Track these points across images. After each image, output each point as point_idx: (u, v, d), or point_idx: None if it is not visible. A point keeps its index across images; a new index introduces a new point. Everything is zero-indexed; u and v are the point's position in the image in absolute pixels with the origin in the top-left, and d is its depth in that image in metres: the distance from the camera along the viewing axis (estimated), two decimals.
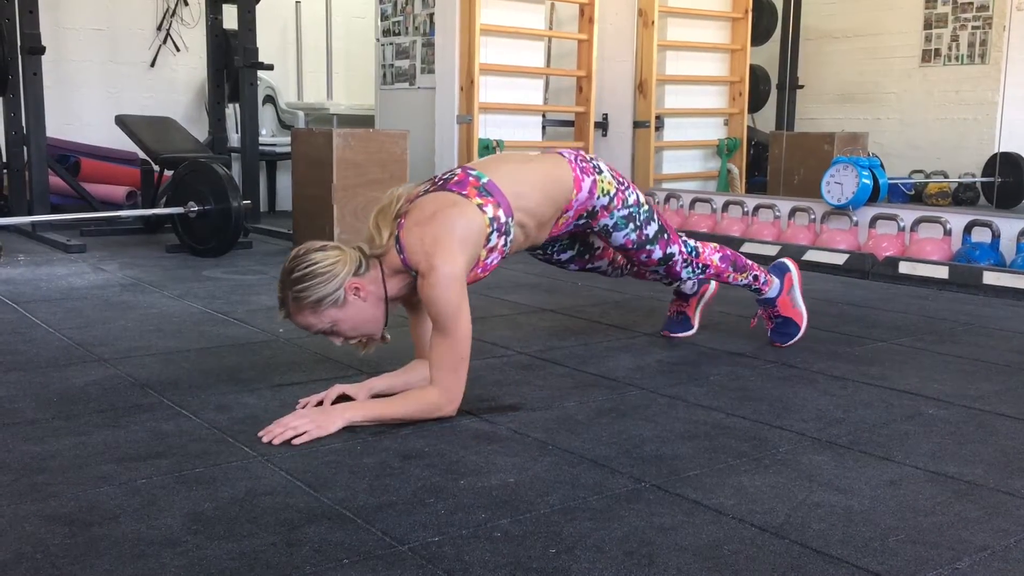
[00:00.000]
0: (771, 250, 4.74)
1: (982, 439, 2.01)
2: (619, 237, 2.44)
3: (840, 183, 4.62)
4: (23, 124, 5.20)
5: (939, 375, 2.54)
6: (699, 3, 6.00)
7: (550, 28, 6.11)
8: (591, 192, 2.33)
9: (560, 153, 2.36)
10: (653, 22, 5.69)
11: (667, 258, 2.54)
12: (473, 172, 2.15)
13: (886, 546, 1.47)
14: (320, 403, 2.10)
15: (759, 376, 2.51)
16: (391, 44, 6.16)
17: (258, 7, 5.82)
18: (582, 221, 2.40)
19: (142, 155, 5.51)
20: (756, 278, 2.75)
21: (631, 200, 2.41)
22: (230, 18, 5.95)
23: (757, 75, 6.69)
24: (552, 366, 2.58)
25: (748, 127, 6.31)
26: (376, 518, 1.55)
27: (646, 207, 2.46)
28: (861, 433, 2.04)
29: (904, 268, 4.20)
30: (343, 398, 2.12)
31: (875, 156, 4.88)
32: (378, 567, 1.38)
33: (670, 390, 2.36)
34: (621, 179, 2.42)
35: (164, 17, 6.61)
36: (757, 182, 6.27)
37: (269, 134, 6.93)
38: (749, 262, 2.76)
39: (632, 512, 1.59)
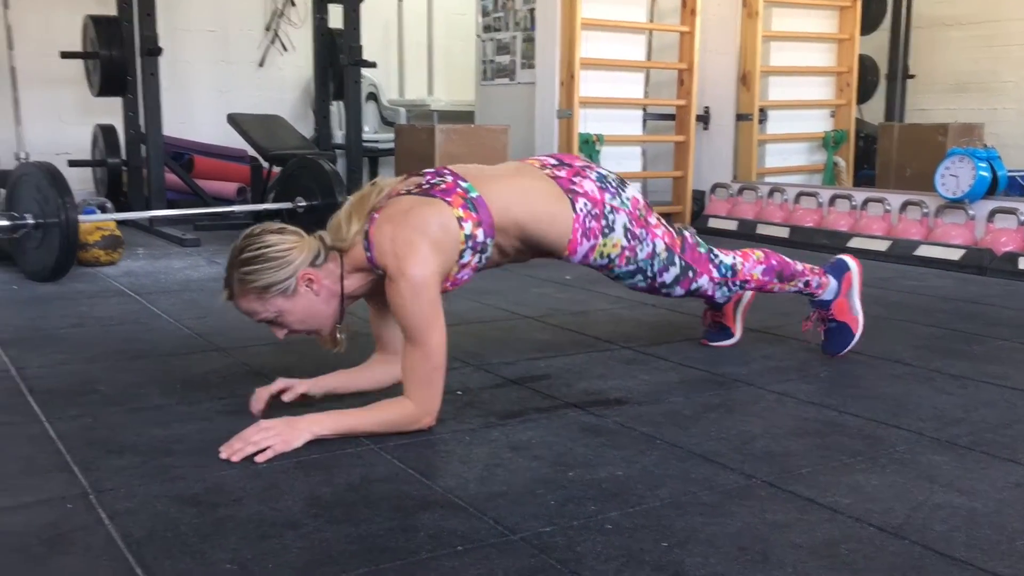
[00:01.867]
0: (881, 245, 4.61)
1: None
2: (626, 283, 2.31)
3: (956, 176, 4.45)
4: (141, 123, 5.43)
5: None
6: None
7: (651, 21, 6.06)
8: (586, 256, 2.17)
9: (575, 200, 2.10)
10: (757, 12, 5.58)
11: (691, 292, 2.38)
12: (463, 183, 1.99)
13: (1014, 549, 1.42)
14: (278, 393, 2.01)
15: (871, 373, 2.44)
16: (492, 40, 6.20)
17: (362, 6, 5.93)
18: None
19: (251, 152, 5.69)
20: (808, 283, 2.54)
21: (642, 255, 2.22)
22: (335, 17, 6.08)
23: (865, 65, 6.49)
24: (656, 360, 2.57)
25: (856, 119, 6.14)
26: (487, 507, 1.57)
27: (663, 255, 2.26)
28: (983, 433, 1.97)
29: None
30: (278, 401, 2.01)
31: (992, 148, 4.68)
32: (492, 555, 1.40)
33: (778, 387, 2.32)
34: (637, 233, 2.20)
35: (272, 18, 6.81)
36: (865, 175, 6.10)
37: (372, 130, 7.07)
38: (799, 268, 2.53)
39: (744, 508, 1.58)
